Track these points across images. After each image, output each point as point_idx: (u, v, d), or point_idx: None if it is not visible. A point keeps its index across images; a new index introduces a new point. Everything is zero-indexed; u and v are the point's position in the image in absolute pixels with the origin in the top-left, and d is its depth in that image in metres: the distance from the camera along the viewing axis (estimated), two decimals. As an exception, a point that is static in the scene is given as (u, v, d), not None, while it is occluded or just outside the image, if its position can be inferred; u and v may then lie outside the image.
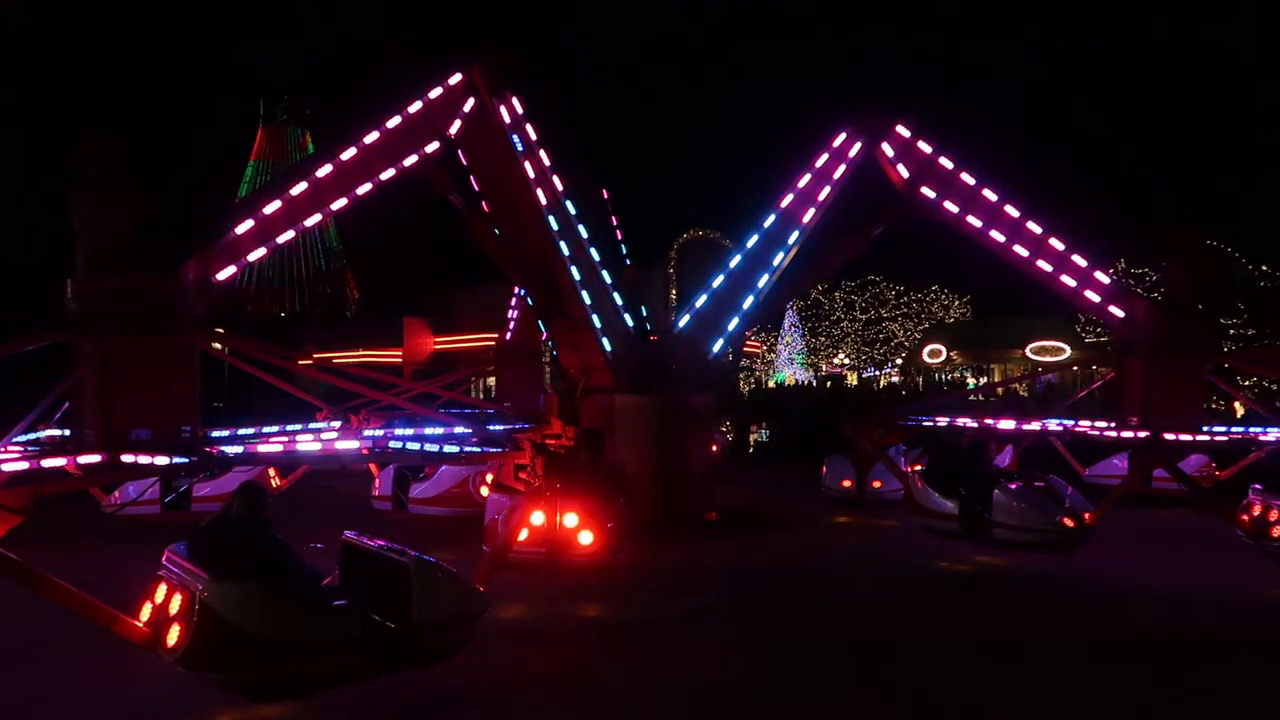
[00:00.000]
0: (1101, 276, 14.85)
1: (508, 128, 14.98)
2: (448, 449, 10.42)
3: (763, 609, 10.46)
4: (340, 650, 6.51)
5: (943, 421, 16.13)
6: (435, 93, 13.62)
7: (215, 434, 10.61)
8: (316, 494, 17.10)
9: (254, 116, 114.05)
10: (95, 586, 6.75)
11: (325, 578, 7.19)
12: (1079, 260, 14.80)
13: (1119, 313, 14.37)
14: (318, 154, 12.83)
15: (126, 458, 8.33)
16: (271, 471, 14.89)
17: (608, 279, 15.63)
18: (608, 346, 15.36)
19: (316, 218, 12.21)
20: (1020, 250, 15.02)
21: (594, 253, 15.57)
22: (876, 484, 17.29)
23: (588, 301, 15.35)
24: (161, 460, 8.31)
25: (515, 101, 15.10)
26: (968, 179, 15.47)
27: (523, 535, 9.53)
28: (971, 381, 66.36)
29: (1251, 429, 15.06)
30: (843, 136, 16.31)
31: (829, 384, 68.95)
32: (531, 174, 15.18)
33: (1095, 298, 14.67)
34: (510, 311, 22.95)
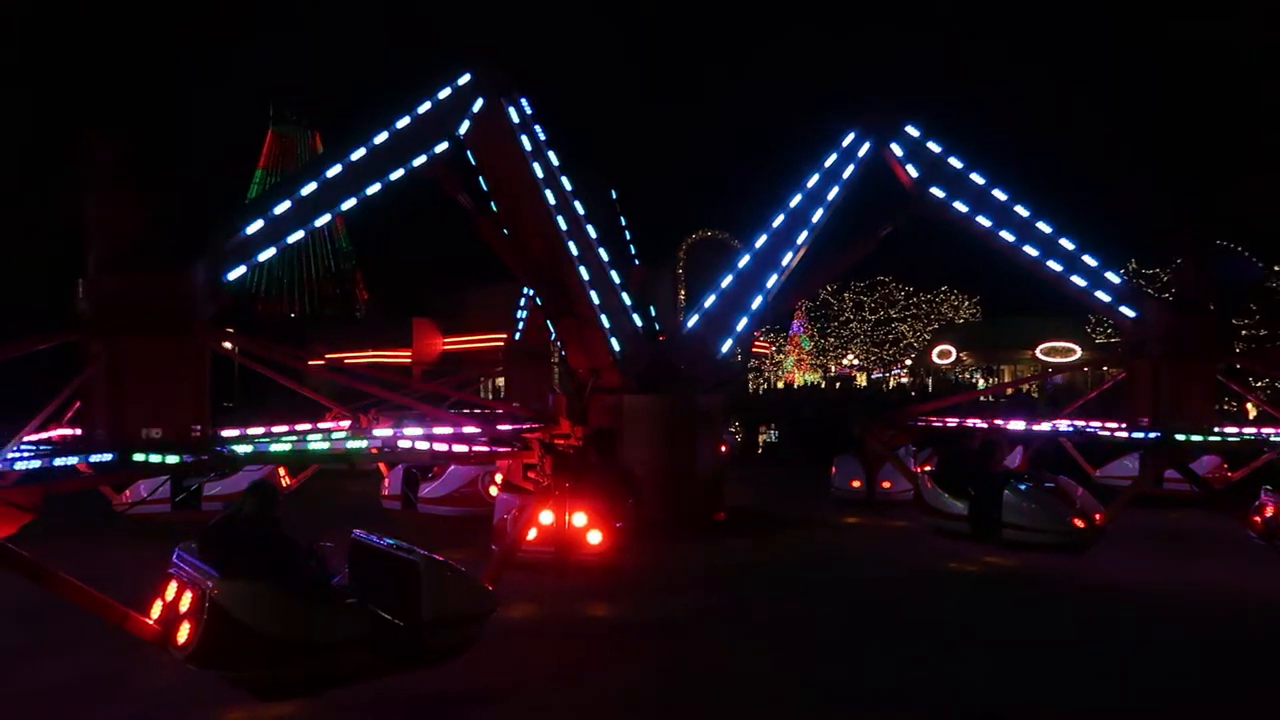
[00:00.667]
0: (1112, 276, 14.80)
1: (516, 128, 14.99)
2: (457, 449, 10.43)
3: (772, 609, 10.44)
4: (349, 648, 6.52)
5: (952, 422, 16.10)
6: (444, 93, 13.64)
7: (225, 433, 10.64)
8: (326, 493, 17.15)
9: (263, 117, 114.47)
10: (106, 584, 6.79)
11: (335, 576, 7.22)
12: (1089, 260, 14.76)
13: (1130, 313, 14.32)
14: (327, 154, 12.87)
15: (137, 457, 8.36)
16: (281, 471, 14.94)
17: (616, 279, 15.64)
18: (616, 346, 15.37)
19: (326, 218, 12.25)
20: (1030, 250, 14.98)
21: (602, 253, 15.57)
22: (886, 484, 17.25)
23: (596, 301, 15.35)
24: (172, 459, 8.35)
25: (524, 102, 15.12)
26: (977, 179, 15.45)
27: (532, 534, 9.55)
28: (981, 382, 66.20)
29: (1263, 430, 14.99)
30: (851, 136, 16.30)
31: (838, 385, 68.84)
32: (540, 174, 15.19)
33: (1106, 298, 14.62)
34: (519, 312, 22.99)
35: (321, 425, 13.26)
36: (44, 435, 10.10)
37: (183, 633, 6.25)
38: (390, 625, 6.75)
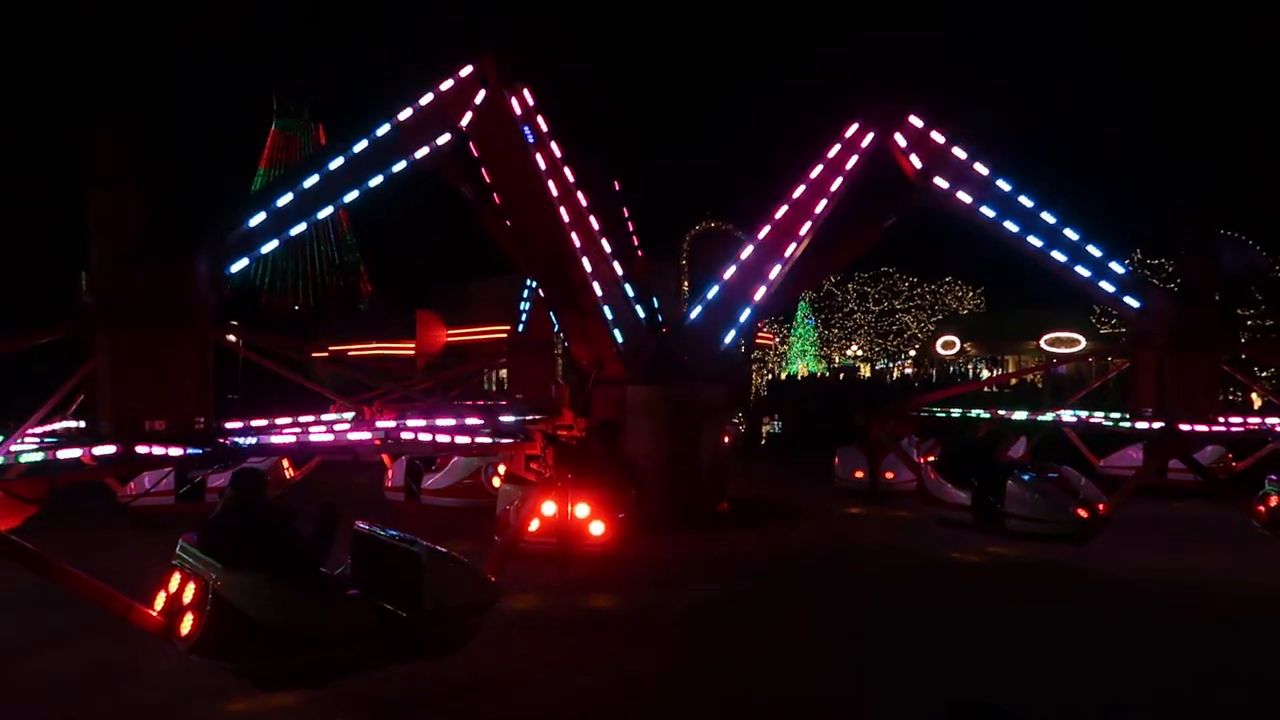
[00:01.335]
0: (1116, 267, 14.75)
1: (519, 119, 14.99)
2: (460, 440, 10.45)
3: (774, 599, 10.46)
4: (352, 639, 6.54)
5: (955, 413, 16.08)
6: (446, 84, 13.63)
7: (229, 425, 10.67)
8: (330, 485, 17.18)
9: (266, 112, 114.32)
10: (110, 575, 6.81)
11: (337, 567, 7.24)
12: (1094, 250, 14.71)
13: (1134, 303, 14.27)
14: (330, 146, 12.87)
15: (141, 449, 8.39)
16: (285, 462, 14.98)
17: (619, 270, 15.63)
18: (619, 338, 15.37)
19: (329, 210, 12.25)
20: (1034, 241, 14.94)
21: (605, 244, 15.57)
22: (889, 475, 17.25)
23: (599, 293, 15.35)
24: (176, 451, 8.37)
25: (526, 93, 15.11)
26: (981, 169, 15.39)
27: (534, 526, 9.55)
28: (985, 373, 66.10)
29: (1268, 420, 14.95)
30: (855, 127, 16.25)
31: (841, 376, 68.80)
32: (543, 165, 15.19)
33: (1110, 288, 14.57)
34: (522, 304, 22.99)
35: (325, 417, 13.30)
36: (48, 427, 10.13)
37: (186, 624, 6.28)
38: (393, 616, 6.77)
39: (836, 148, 16.24)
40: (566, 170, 15.40)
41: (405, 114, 12.87)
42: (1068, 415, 15.25)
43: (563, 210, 15.23)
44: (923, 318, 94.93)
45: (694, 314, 16.04)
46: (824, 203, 16.09)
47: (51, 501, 7.06)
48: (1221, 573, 11.52)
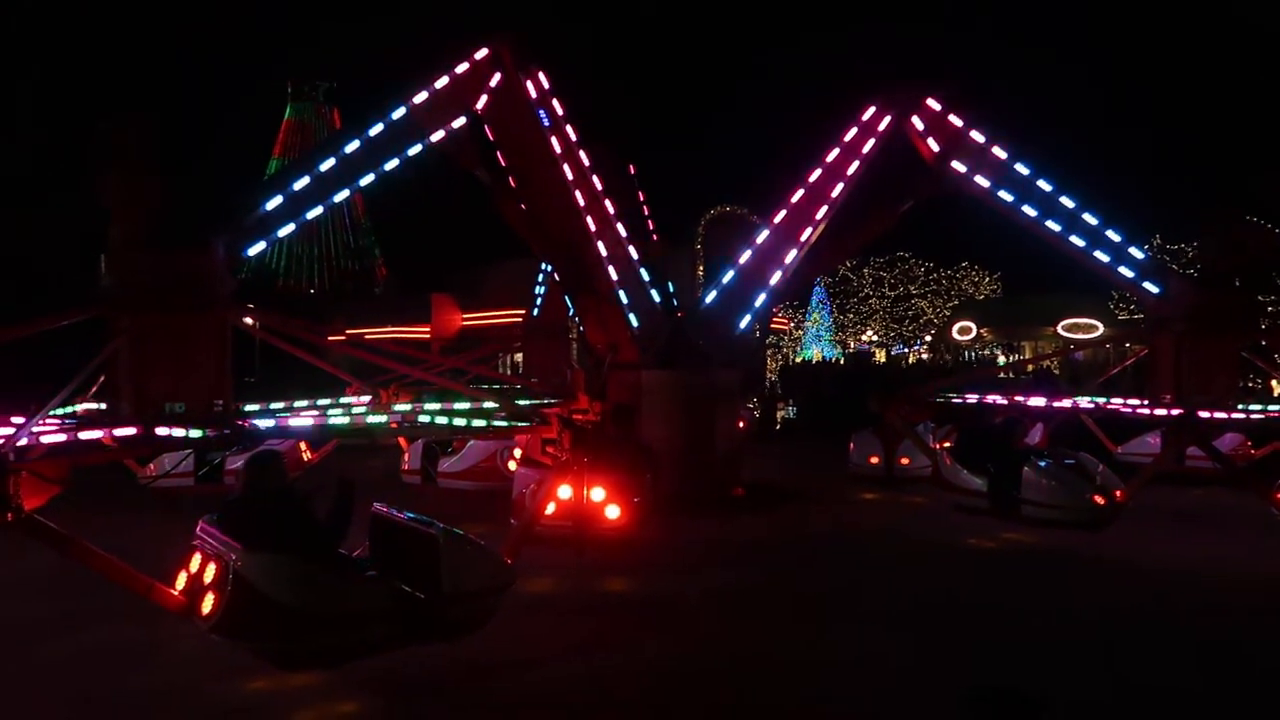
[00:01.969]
0: (1136, 252, 14.62)
1: (534, 103, 14.96)
2: (476, 424, 10.49)
3: (789, 584, 10.48)
4: (370, 620, 6.60)
5: (972, 398, 16.01)
6: (462, 68, 13.60)
7: (247, 408, 10.74)
8: (347, 467, 17.27)
9: (281, 95, 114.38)
10: (132, 555, 6.90)
11: (355, 549, 7.30)
12: (1113, 235, 14.58)
13: (1153, 289, 14.15)
14: (346, 130, 12.89)
15: (161, 431, 8.46)
16: (303, 445, 15.07)
17: (634, 254, 15.61)
18: (634, 322, 15.36)
19: (345, 194, 12.28)
20: (1053, 225, 14.81)
21: (620, 228, 15.54)
22: (904, 461, 17.19)
23: (614, 277, 15.34)
24: (195, 433, 8.44)
25: (541, 76, 15.07)
26: (999, 153, 15.25)
27: (550, 509, 9.59)
28: (1002, 359, 65.76)
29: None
30: (872, 110, 16.13)
31: (856, 361, 68.60)
32: (558, 149, 15.16)
33: (1129, 274, 14.45)
34: (537, 288, 23.00)
35: (342, 400, 13.37)
36: (70, 409, 10.22)
37: (207, 603, 6.35)
38: (410, 598, 6.82)
39: (853, 131, 16.12)
40: (582, 154, 15.37)
41: (420, 97, 12.86)
42: (1085, 401, 15.16)
43: (578, 194, 15.21)
44: (939, 303, 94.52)
45: (709, 299, 16.01)
46: (840, 187, 16.00)
47: (73, 482, 7.12)
48: (1240, 560, 11.46)
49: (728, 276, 15.98)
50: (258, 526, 6.49)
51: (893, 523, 14.17)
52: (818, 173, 15.99)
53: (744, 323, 15.96)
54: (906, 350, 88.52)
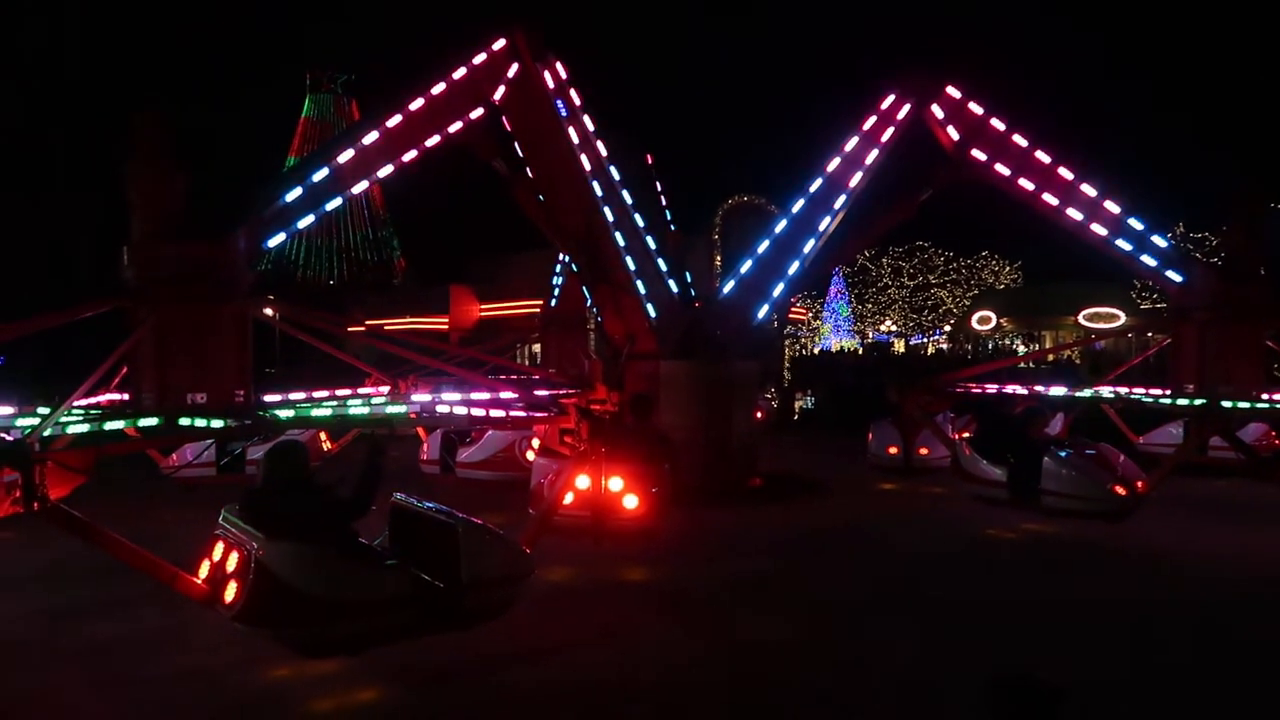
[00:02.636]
0: (1159, 240, 14.47)
1: (551, 93, 14.94)
2: (494, 414, 10.53)
3: (807, 574, 10.48)
4: (390, 609, 6.66)
5: (991, 388, 15.93)
6: (479, 58, 13.60)
7: (268, 398, 10.83)
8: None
9: (300, 87, 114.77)
10: (155, 544, 6.98)
11: (376, 538, 7.36)
12: (1135, 224, 14.43)
13: (1176, 277, 14.00)
14: (364, 121, 12.92)
15: (183, 421, 8.55)
16: (323, 435, 15.19)
17: (652, 245, 15.59)
18: (652, 312, 15.36)
19: (364, 185, 12.32)
20: (1074, 214, 14.67)
21: (638, 218, 15.52)
22: (923, 451, 17.14)
23: (632, 267, 15.33)
24: (216, 424, 8.52)
25: (559, 66, 15.05)
26: (1020, 140, 15.12)
27: (568, 499, 9.63)
28: (1022, 349, 65.31)
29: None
30: (891, 98, 16.02)
31: (875, 351, 68.31)
32: (575, 139, 15.14)
33: (1152, 262, 14.30)
34: (555, 278, 23.01)
35: (361, 391, 13.45)
36: (93, 400, 10.34)
37: (230, 592, 6.42)
38: (430, 586, 6.88)
39: (872, 119, 16.03)
40: (599, 144, 15.35)
41: (439, 88, 12.87)
42: (1106, 391, 15.05)
43: (596, 185, 15.19)
44: (958, 292, 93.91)
45: (727, 288, 15.97)
46: (859, 176, 15.92)
47: (97, 472, 7.21)
48: (1264, 552, 11.36)
49: (746, 266, 15.94)
50: (279, 515, 6.55)
51: (912, 513, 14.12)
52: (836, 161, 15.90)
53: (762, 313, 15.92)
54: (925, 340, 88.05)
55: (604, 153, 15.30)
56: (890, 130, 15.95)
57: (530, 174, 15.51)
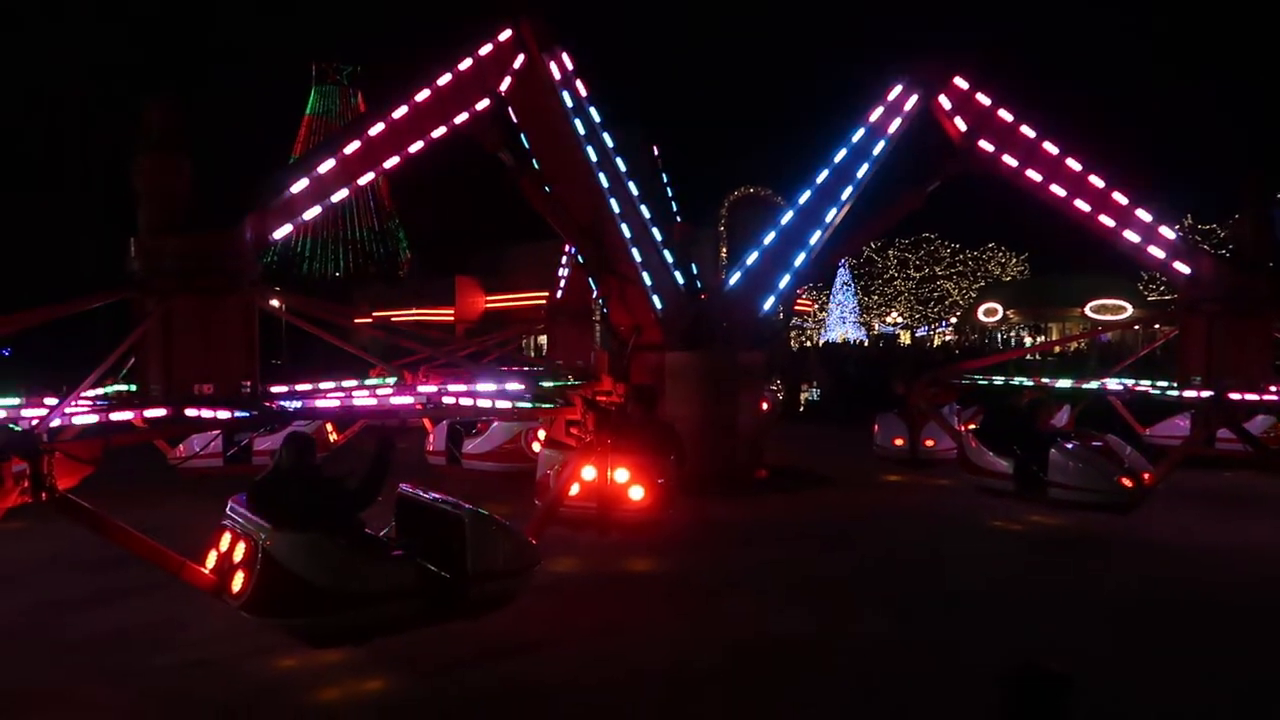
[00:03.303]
0: (1167, 232, 14.39)
1: (557, 84, 14.90)
2: (500, 405, 10.54)
3: (813, 566, 10.48)
4: (397, 599, 6.69)
5: (998, 380, 15.89)
6: (485, 49, 13.57)
7: (274, 390, 10.85)
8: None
9: (305, 78, 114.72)
10: (163, 534, 7.02)
11: (383, 529, 7.38)
12: (1143, 215, 14.36)
13: (1184, 269, 13.93)
14: (370, 113, 12.91)
15: (190, 412, 8.57)
16: (329, 426, 15.22)
17: (658, 236, 15.57)
18: (658, 304, 15.34)
19: (370, 176, 12.32)
20: (1081, 205, 14.61)
21: (644, 210, 15.49)
22: (929, 442, 17.10)
23: (638, 259, 15.31)
24: (223, 415, 8.55)
25: (565, 57, 15.01)
26: (1028, 131, 15.05)
27: (574, 490, 9.64)
28: (1029, 340, 65.19)
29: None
30: (898, 89, 15.95)
31: (881, 343, 68.22)
32: (581, 131, 15.10)
33: (1159, 254, 14.23)
34: (561, 270, 23.01)
35: (368, 382, 13.47)
36: (101, 390, 10.37)
37: (237, 582, 6.45)
38: (436, 577, 6.90)
39: (879, 110, 15.97)
40: (605, 136, 15.32)
41: (445, 79, 12.85)
42: (1113, 383, 15.00)
43: (601, 176, 15.17)
44: (964, 284, 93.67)
45: (733, 280, 15.95)
46: (866, 167, 15.86)
47: (106, 463, 7.24)
48: (1271, 544, 11.34)
49: (752, 258, 15.90)
50: (286, 506, 6.58)
51: (917, 505, 14.12)
52: (843, 152, 15.85)
53: (768, 304, 15.90)
54: (931, 332, 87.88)
55: (610, 144, 15.27)
56: (897, 121, 15.88)
57: (536, 165, 15.49)
